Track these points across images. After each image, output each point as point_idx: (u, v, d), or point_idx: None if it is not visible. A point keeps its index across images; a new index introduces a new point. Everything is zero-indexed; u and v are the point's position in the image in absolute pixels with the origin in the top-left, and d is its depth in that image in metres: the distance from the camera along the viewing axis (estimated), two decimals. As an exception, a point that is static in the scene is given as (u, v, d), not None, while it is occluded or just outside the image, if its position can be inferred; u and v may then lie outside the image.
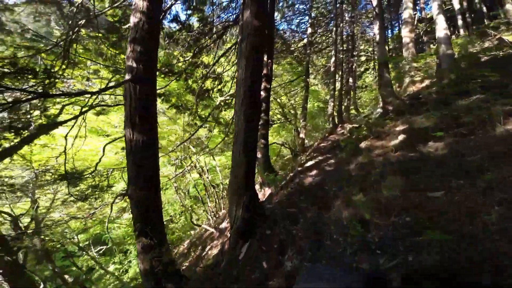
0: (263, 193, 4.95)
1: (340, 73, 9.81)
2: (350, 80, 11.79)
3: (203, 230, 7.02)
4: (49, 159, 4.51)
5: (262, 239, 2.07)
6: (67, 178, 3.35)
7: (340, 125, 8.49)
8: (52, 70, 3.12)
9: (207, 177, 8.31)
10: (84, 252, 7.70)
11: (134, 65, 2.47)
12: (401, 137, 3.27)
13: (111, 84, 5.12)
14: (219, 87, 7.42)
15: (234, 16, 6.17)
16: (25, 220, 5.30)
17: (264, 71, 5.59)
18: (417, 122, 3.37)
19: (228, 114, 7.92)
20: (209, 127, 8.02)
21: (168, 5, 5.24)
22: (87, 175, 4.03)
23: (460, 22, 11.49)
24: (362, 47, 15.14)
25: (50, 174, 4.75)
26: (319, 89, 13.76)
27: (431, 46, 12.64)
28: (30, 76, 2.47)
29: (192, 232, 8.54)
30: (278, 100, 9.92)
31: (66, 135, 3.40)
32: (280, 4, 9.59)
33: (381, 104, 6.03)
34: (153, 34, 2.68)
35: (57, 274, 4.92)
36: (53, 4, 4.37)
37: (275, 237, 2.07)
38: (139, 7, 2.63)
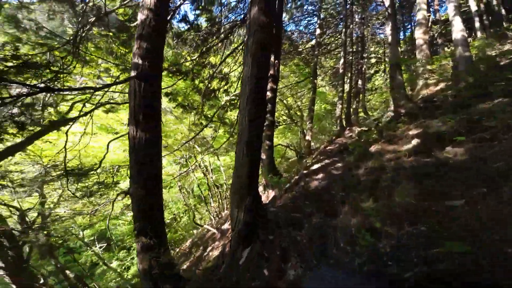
0: (267, 195, 4.83)
1: (349, 75, 9.59)
2: (359, 82, 11.53)
3: (205, 230, 6.97)
4: (56, 155, 4.59)
5: (264, 244, 1.96)
6: (67, 174, 3.36)
7: (348, 128, 8.26)
8: (57, 64, 3.15)
9: (211, 177, 8.28)
10: (88, 248, 7.81)
11: (140, 62, 2.44)
12: (415, 141, 3.08)
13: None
14: (226, 87, 7.40)
15: (242, 16, 6.13)
16: (33, 215, 5.42)
17: (271, 72, 5.51)
18: (433, 126, 3.17)
19: (233, 115, 7.87)
20: (215, 127, 8.01)
21: (176, 5, 5.27)
22: (91, 172, 4.05)
23: (477, 24, 11.02)
24: (372, 49, 14.81)
25: (57, 170, 4.83)
26: (327, 91, 13.54)
27: (446, 48, 12.20)
28: (33, 70, 2.50)
29: (195, 231, 8.51)
30: (285, 101, 9.80)
31: (67, 131, 3.42)
32: (289, 5, 9.52)
33: (392, 107, 5.80)
34: (160, 32, 2.66)
35: (59, 270, 4.98)
36: (66, 3, 4.48)
37: (278, 243, 1.96)
38: (146, 4, 2.62)
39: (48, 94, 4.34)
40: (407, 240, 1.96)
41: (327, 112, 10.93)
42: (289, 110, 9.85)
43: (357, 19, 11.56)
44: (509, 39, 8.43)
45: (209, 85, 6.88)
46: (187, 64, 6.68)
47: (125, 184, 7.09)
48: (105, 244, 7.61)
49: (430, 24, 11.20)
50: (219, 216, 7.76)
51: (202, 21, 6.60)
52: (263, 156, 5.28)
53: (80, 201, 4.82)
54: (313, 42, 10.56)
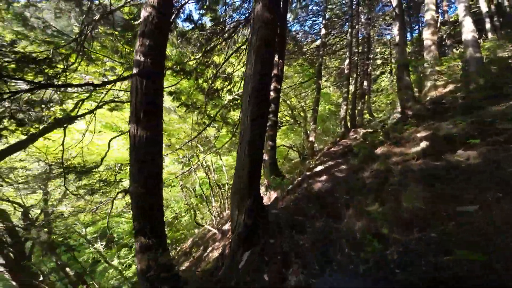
0: (269, 197, 4.76)
1: (354, 75, 9.45)
2: (365, 83, 11.35)
3: (206, 230, 6.93)
4: (58, 152, 4.62)
5: (265, 248, 1.89)
6: (64, 172, 3.36)
7: (352, 129, 8.12)
8: (61, 62, 3.15)
9: (213, 177, 8.25)
10: (90, 245, 7.86)
11: (142, 59, 2.41)
12: (423, 144, 2.97)
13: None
14: (229, 87, 7.38)
15: (246, 15, 6.10)
16: (37, 212, 5.47)
17: (275, 71, 5.45)
18: (443, 128, 3.05)
19: (236, 114, 7.84)
20: (218, 126, 7.99)
21: (181, 3, 5.27)
22: (93, 170, 4.05)
23: (488, 25, 10.75)
24: (378, 50, 14.60)
25: (60, 167, 4.86)
26: (331, 92, 13.39)
27: (454, 50, 11.93)
28: (32, 66, 2.49)
29: (196, 230, 8.48)
30: (288, 102, 9.71)
31: (65, 128, 3.42)
32: (294, 5, 9.45)
33: (399, 109, 5.66)
34: (163, 29, 2.63)
35: (60, 267, 5.01)
36: (73, 1, 4.52)
37: (279, 247, 1.89)
38: (149, 1, 2.59)
39: (53, 92, 4.38)
40: (416, 247, 1.87)
41: (331, 113, 10.80)
42: (293, 111, 9.76)
43: (363, 20, 11.41)
44: (521, 41, 8.15)
45: (213, 84, 6.87)
46: (191, 63, 6.68)
47: (127, 182, 7.10)
48: (105, 242, 7.64)
49: (438, 25, 10.97)
50: (221, 216, 7.71)
51: (207, 21, 6.59)
52: (265, 157, 5.21)
53: (83, 199, 4.85)
54: (318, 42, 10.45)
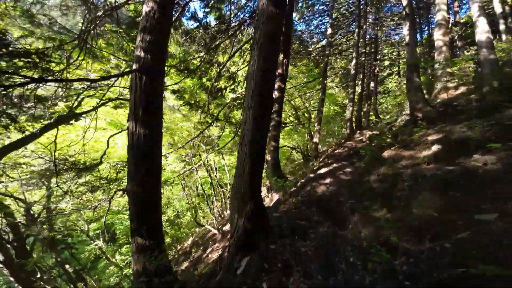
0: (271, 198, 4.64)
1: (361, 76, 9.24)
2: (372, 84, 11.11)
3: (207, 229, 6.86)
4: (63, 149, 4.63)
5: (264, 254, 1.79)
6: (56, 168, 3.32)
7: (358, 131, 7.93)
8: (50, 53, 3.09)
9: (215, 176, 8.19)
10: (92, 241, 7.90)
11: (142, 54, 2.35)
12: (435, 147, 2.81)
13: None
14: (233, 86, 7.31)
15: (251, 12, 6.01)
16: (40, 208, 5.50)
17: (279, 71, 5.34)
18: (456, 132, 2.88)
19: (239, 114, 7.76)
20: (221, 126, 7.94)
21: (186, 1, 5.22)
22: (92, 167, 4.02)
23: (502, 26, 10.38)
24: (385, 51, 14.30)
25: (66, 164, 4.88)
26: (336, 92, 13.17)
27: (465, 52, 11.57)
28: (24, 59, 2.46)
29: (197, 229, 8.42)
30: (292, 102, 9.58)
31: (57, 126, 3.38)
32: (300, 4, 9.32)
33: (408, 111, 5.46)
34: (164, 25, 2.56)
35: (59, 263, 5.02)
36: (79, -1, 4.53)
37: (279, 254, 1.78)
38: (152, -4, 2.53)
39: (57, 88, 4.40)
40: (428, 258, 1.73)
41: (336, 114, 10.60)
42: (297, 111, 9.62)
43: (370, 20, 11.18)
44: (538, 42, 7.80)
45: (216, 83, 6.81)
46: (195, 62, 6.64)
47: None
48: (106, 239, 7.65)
49: (450, 25, 10.65)
50: (222, 216, 7.63)
51: (211, 19, 6.55)
52: (268, 157, 5.10)
53: (76, 198, 4.84)
54: (324, 42, 10.29)
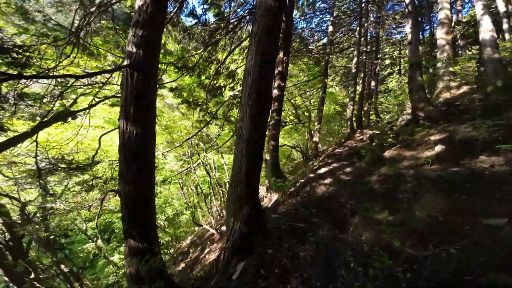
0: (270, 198, 4.57)
1: (361, 75, 9.13)
2: (372, 83, 11.01)
3: (205, 229, 6.79)
4: (57, 147, 4.54)
5: (261, 259, 1.71)
6: (39, 170, 3.22)
7: (358, 130, 7.84)
8: (31, 49, 2.96)
9: (214, 175, 8.11)
10: (90, 240, 7.84)
11: (134, 50, 2.25)
12: (438, 147, 2.72)
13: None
14: (232, 84, 7.21)
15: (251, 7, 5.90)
16: (33, 207, 5.42)
17: (279, 68, 5.24)
18: (460, 132, 2.79)
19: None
20: (220, 124, 7.85)
21: (184, -3, 5.11)
22: (85, 167, 3.94)
23: (505, 25, 10.27)
24: (386, 50, 14.17)
25: (61, 163, 4.79)
26: (337, 91, 13.06)
27: (467, 51, 11.47)
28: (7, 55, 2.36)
29: (197, 228, 8.37)
30: (292, 101, 9.48)
31: (40, 125, 3.26)
32: (300, 1, 9.19)
33: (409, 110, 5.37)
34: (158, 19, 2.45)
35: (55, 263, 4.96)
36: (73, -6, 4.42)
37: (277, 259, 1.70)
38: (145, -11, 2.42)
39: (52, 86, 4.30)
40: (432, 264, 1.65)
41: (336, 113, 10.50)
42: (297, 110, 9.52)
43: (372, 18, 11.05)
44: (542, 41, 7.69)
45: (215, 81, 6.71)
46: (194, 59, 6.53)
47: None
48: (96, 239, 7.58)
49: (453, 24, 10.53)
50: (221, 215, 7.56)
51: (210, 16, 6.43)
52: (267, 157, 5.02)
53: (80, 195, 4.76)
54: (325, 40, 10.17)
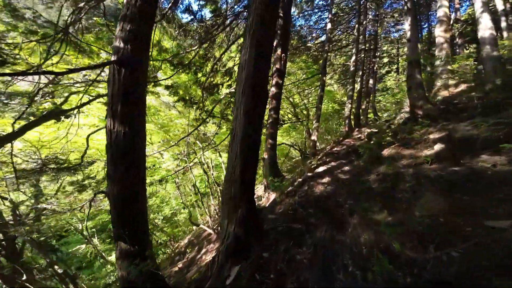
0: (267, 198, 4.50)
1: (360, 73, 9.08)
2: (371, 81, 10.96)
3: (203, 229, 6.72)
4: (42, 147, 4.40)
5: (257, 263, 1.64)
6: (15, 171, 3.10)
7: (356, 128, 7.80)
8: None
9: (212, 174, 8.02)
10: (86, 240, 7.72)
11: (122, 45, 2.14)
12: (437, 146, 2.67)
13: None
14: (229, 82, 7.10)
15: (246, 2, 5.78)
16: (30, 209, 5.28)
17: (277, 66, 5.15)
18: (460, 130, 2.74)
19: (235, 111, 7.55)
20: (217, 123, 7.75)
21: (178, -8, 4.97)
22: (73, 167, 3.82)
23: (503, 24, 10.27)
24: (384, 48, 14.14)
25: (52, 162, 4.66)
26: (335, 89, 13.00)
27: (465, 50, 11.47)
28: None
29: (194, 227, 8.29)
30: (291, 99, 9.39)
31: (14, 123, 3.15)
32: (299, -1, 9.07)
33: (407, 108, 5.32)
34: (147, 13, 2.34)
35: (49, 264, 4.85)
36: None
37: (273, 262, 1.63)
38: (134, -19, 2.31)
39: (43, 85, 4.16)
40: (433, 268, 1.59)
41: (335, 112, 10.45)
42: (295, 108, 9.44)
43: (370, 16, 10.98)
44: (539, 39, 7.68)
45: (212, 79, 6.59)
46: (190, 56, 6.40)
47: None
48: (89, 238, 7.47)
49: (451, 22, 10.51)
50: (218, 215, 7.49)
51: (207, 12, 6.29)
52: (265, 156, 4.95)
53: (73, 195, 4.64)
54: (323, 38, 10.08)
